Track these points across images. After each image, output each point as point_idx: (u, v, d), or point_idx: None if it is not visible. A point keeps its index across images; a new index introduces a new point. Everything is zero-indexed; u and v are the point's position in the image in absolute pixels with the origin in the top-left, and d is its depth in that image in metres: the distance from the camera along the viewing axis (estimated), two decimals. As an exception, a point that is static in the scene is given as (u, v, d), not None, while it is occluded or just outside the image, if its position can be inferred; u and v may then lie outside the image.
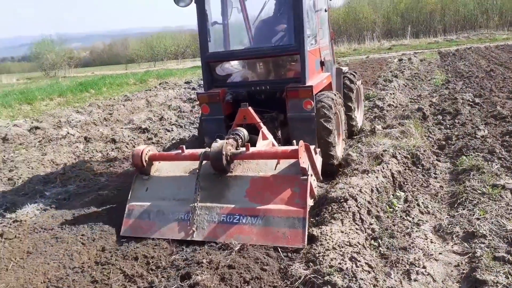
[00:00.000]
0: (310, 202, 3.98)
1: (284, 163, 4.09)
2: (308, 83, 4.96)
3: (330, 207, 3.90)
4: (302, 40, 4.92)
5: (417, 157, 5.21)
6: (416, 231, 3.75)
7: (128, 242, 4.02)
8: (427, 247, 3.51)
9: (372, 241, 3.56)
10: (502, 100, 8.42)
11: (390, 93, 9.53)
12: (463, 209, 3.96)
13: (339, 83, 6.62)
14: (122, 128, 9.13)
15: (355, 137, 6.59)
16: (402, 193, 4.36)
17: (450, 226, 3.77)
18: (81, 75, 38.35)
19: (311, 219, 3.96)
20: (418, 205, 4.21)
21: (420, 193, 4.51)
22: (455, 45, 26.75)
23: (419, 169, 5.09)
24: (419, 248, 3.46)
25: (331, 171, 5.11)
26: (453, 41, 30.86)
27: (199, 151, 4.32)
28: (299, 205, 3.76)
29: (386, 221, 3.84)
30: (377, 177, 4.31)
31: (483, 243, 3.37)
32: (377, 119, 7.35)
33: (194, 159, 4.33)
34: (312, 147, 4.16)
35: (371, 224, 3.72)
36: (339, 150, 5.45)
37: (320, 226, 3.57)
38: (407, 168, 4.98)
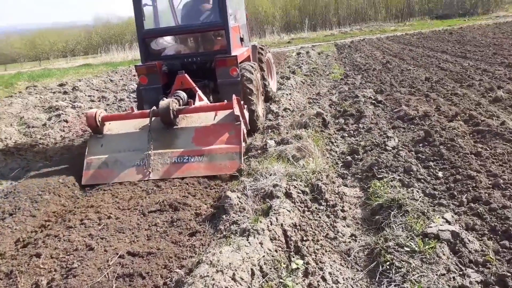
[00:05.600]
0: (243, 144, 4.88)
1: (221, 114, 5.13)
2: (233, 54, 5.84)
3: (183, 314, 2.25)
4: (226, 17, 5.81)
5: (318, 189, 3.81)
6: None
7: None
8: None
9: None
10: (405, 96, 7.60)
11: (287, 94, 8.23)
12: (389, 285, 2.59)
13: (255, 57, 7.50)
14: None
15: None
16: (300, 262, 2.86)
17: (373, 321, 2.36)
18: None
19: None
20: (324, 279, 2.75)
21: (326, 252, 3.07)
22: (349, 37, 27.17)
23: (322, 207, 3.69)
24: None
25: (253, 127, 6.00)
26: (347, 33, 31.59)
27: (148, 110, 5.20)
28: (235, 143, 4.82)
29: (275, 331, 2.30)
30: (262, 244, 2.74)
31: None
32: (270, 130, 5.90)
33: (144, 117, 5.20)
34: (241, 102, 5.20)
35: None
36: (259, 109, 6.38)
37: None
38: (306, 209, 3.53)
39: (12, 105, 11.35)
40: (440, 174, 4.16)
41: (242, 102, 5.25)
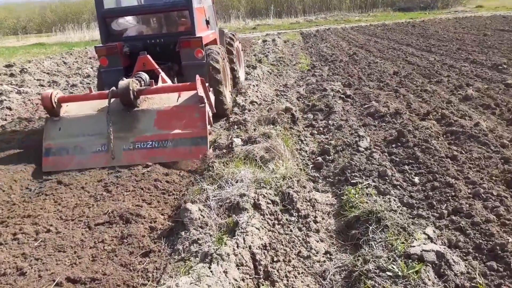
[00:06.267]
0: (208, 127, 4.74)
1: (184, 96, 4.91)
2: (198, 35, 5.68)
3: None
4: None
5: (289, 198, 3.45)
6: None
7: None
8: None
9: None
10: (374, 91, 7.40)
11: (254, 85, 7.81)
12: (371, 317, 2.29)
13: (222, 41, 7.34)
14: None
15: (203, 168, 4.37)
16: (271, 289, 2.51)
17: None
18: None
19: None
20: (297, 309, 2.41)
21: (299, 274, 2.74)
22: (314, 26, 26.98)
23: (293, 219, 3.34)
24: None
25: (220, 111, 5.89)
26: (312, 21, 31.39)
27: (107, 91, 4.90)
28: (200, 128, 4.65)
29: None
30: (226, 273, 2.35)
31: None
32: (236, 127, 5.48)
33: (102, 98, 4.96)
34: (206, 83, 4.93)
35: None
36: (226, 93, 6.22)
37: None
38: (276, 222, 3.17)
39: None
40: (416, 179, 3.93)
41: (207, 85, 5.01)
